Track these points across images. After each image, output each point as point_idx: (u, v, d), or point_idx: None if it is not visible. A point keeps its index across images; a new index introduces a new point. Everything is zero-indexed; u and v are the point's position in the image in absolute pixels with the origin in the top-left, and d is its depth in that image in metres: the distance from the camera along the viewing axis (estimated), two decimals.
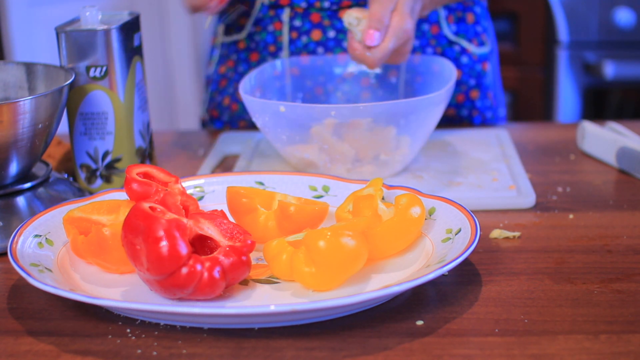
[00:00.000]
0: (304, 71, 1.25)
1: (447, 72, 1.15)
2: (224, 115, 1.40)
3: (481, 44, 1.37)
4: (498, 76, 1.43)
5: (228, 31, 1.39)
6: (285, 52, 1.33)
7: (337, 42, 1.30)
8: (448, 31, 1.33)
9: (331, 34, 1.30)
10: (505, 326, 0.75)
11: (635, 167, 1.10)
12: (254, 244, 0.79)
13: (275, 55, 1.33)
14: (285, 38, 1.33)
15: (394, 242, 0.85)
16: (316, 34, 1.31)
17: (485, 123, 1.38)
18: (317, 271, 0.78)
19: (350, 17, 1.07)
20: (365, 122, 1.03)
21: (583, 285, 0.83)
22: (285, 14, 1.31)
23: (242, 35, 1.36)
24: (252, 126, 1.36)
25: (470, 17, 1.35)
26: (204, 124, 1.46)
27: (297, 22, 1.31)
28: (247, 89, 1.13)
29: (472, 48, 1.35)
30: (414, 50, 1.31)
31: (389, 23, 1.06)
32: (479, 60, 1.37)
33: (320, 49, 1.30)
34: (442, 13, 1.33)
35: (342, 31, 1.30)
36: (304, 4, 1.30)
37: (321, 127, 1.04)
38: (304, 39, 1.31)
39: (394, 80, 1.25)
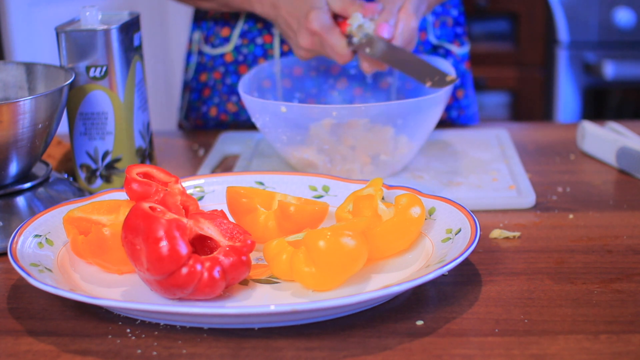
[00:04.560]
0: (295, 82, 1.25)
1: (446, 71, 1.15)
2: (209, 124, 1.39)
3: (462, 44, 1.38)
4: (471, 74, 1.45)
5: (208, 40, 1.37)
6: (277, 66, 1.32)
7: None
8: (432, 36, 1.34)
9: None
10: (505, 326, 0.75)
11: (635, 167, 1.10)
12: (254, 244, 0.79)
13: None
14: (276, 52, 1.32)
15: (394, 242, 0.85)
16: None
17: (468, 123, 1.40)
18: (317, 271, 0.78)
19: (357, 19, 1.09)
20: (363, 122, 1.03)
21: (583, 285, 0.83)
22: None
23: (229, 47, 1.35)
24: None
25: (449, 20, 1.37)
26: (181, 128, 1.45)
27: None
28: (246, 89, 1.13)
29: (455, 49, 1.36)
30: None
31: (397, 20, 1.09)
32: (462, 61, 1.38)
33: (312, 61, 1.29)
34: (430, 19, 1.34)
35: None
36: None
37: (319, 127, 1.04)
38: None
39: (386, 87, 1.25)
